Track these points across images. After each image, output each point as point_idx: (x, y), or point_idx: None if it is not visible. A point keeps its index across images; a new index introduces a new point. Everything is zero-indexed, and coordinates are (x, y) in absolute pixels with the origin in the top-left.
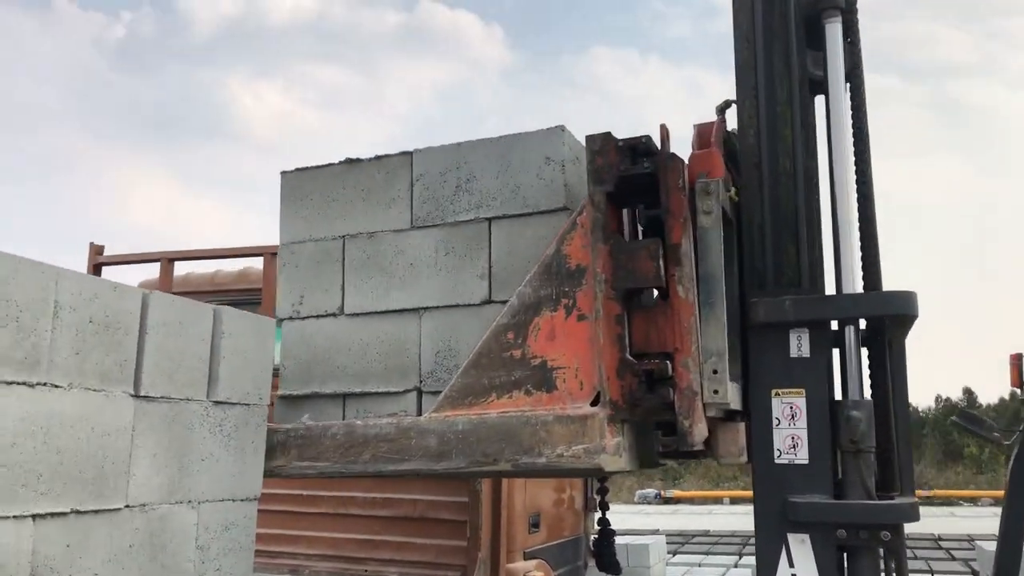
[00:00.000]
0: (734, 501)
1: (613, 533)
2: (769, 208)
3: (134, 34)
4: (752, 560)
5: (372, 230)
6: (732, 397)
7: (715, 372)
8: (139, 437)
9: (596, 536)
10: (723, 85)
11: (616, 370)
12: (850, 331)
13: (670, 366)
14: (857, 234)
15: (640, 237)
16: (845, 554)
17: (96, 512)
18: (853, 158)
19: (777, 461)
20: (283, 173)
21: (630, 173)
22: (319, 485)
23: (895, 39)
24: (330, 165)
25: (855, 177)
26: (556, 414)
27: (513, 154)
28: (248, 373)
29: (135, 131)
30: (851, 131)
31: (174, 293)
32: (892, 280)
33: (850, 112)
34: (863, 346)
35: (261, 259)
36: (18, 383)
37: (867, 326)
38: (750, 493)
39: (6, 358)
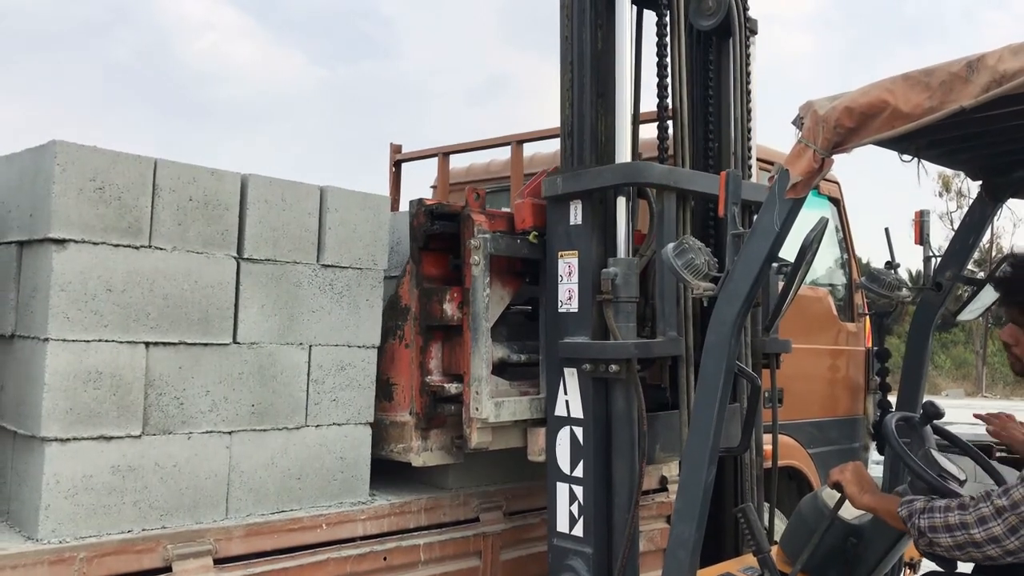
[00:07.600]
0: None
1: None
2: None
3: None
4: None
5: None
6: (489, 412)
7: (477, 393)
8: (246, 291)
9: (876, 419)
10: None
11: (419, 389)
12: (621, 201)
13: (459, 386)
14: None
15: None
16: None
17: (205, 345)
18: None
19: (559, 310)
20: None
21: (432, 232)
22: None
23: None
24: None
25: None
26: (391, 419)
27: None
28: (358, 242)
29: None
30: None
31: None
32: None
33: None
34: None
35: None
36: (123, 245)
37: None
38: None
39: (112, 227)
